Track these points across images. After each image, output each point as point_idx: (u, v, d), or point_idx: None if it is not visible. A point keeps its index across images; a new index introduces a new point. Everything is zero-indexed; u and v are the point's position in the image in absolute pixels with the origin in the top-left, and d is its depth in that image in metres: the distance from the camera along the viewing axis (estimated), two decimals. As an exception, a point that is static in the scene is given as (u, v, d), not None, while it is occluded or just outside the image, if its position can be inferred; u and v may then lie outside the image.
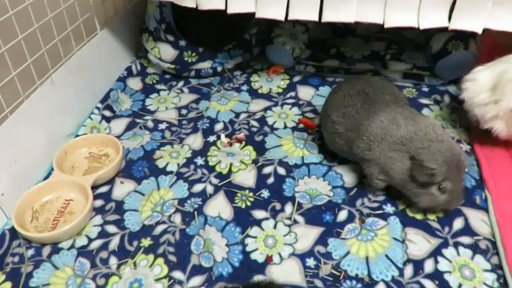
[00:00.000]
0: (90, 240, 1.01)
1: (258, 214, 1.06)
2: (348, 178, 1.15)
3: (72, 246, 0.99)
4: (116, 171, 1.18)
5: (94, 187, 1.13)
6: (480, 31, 1.13)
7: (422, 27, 1.14)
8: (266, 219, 1.05)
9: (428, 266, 0.93)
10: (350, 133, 1.08)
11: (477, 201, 1.07)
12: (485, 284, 0.90)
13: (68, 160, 1.21)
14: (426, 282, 0.90)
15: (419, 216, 1.04)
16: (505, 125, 1.13)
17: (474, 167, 1.16)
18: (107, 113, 1.39)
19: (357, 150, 1.06)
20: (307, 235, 1.00)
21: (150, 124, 1.36)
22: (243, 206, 1.08)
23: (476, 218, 1.02)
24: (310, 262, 0.95)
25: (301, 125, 1.34)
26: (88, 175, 1.14)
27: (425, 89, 1.48)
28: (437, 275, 0.91)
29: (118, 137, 1.30)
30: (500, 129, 1.13)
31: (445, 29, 1.14)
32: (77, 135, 1.28)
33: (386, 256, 0.95)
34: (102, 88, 1.46)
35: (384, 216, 1.04)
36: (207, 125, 1.35)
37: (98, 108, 1.38)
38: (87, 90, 1.39)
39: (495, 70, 1.15)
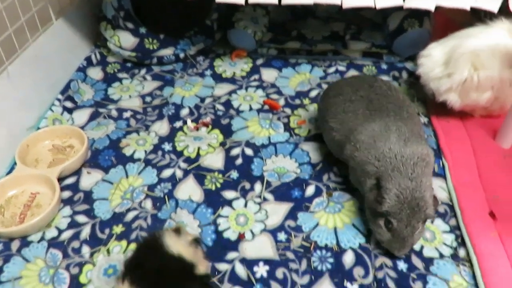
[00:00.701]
0: (60, 231, 1.00)
1: (228, 194, 1.08)
2: (314, 154, 1.18)
3: (42, 239, 0.98)
4: (82, 162, 1.16)
5: (60, 179, 1.11)
6: (433, 9, 1.18)
7: (378, 6, 1.18)
8: (237, 198, 1.07)
9: (393, 232, 0.98)
10: (345, 138, 1.02)
11: (435, 169, 1.12)
12: (444, 244, 0.96)
13: (31, 153, 1.19)
14: (391, 247, 0.95)
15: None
16: (458, 97, 1.19)
17: (431, 138, 1.22)
18: (69, 104, 1.37)
19: (345, 153, 1.01)
20: (277, 211, 1.03)
21: (114, 113, 1.35)
22: (213, 188, 1.10)
23: (435, 185, 1.08)
24: (281, 236, 0.98)
25: (266, 107, 1.36)
26: (53, 167, 1.12)
27: (384, 66, 1.53)
28: (401, 240, 0.96)
29: (82, 127, 1.28)
30: (454, 101, 1.19)
31: (400, 8, 1.19)
32: (39, 128, 1.25)
33: (353, 225, 1.00)
34: (61, 79, 1.43)
35: (350, 189, 1.08)
36: (173, 111, 1.35)
37: (58, 99, 1.35)
38: (46, 82, 1.35)
39: (448, 45, 1.21)
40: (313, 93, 1.40)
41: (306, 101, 1.37)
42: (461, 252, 0.94)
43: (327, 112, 1.08)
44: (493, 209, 0.99)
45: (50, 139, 1.23)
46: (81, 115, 1.34)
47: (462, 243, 0.96)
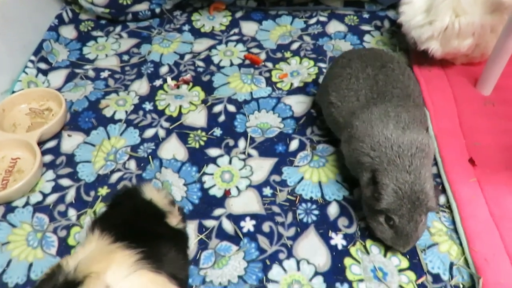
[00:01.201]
0: (45, 196, 0.99)
1: (213, 152, 1.08)
2: (297, 108, 1.18)
3: (27, 203, 0.98)
4: (62, 125, 1.14)
5: (40, 143, 1.09)
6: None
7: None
8: (221, 156, 1.07)
9: (375, 182, 1.00)
10: (342, 120, 0.97)
11: (417, 119, 1.13)
12: (426, 192, 0.98)
13: (7, 118, 1.16)
14: (374, 197, 0.97)
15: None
16: (440, 45, 1.18)
17: (413, 88, 1.22)
18: (43, 65, 1.32)
19: (342, 138, 0.98)
20: (262, 166, 1.04)
21: (91, 73, 1.31)
22: (197, 146, 1.09)
23: (416, 134, 1.09)
24: (267, 191, 0.99)
25: (247, 62, 1.33)
26: (32, 131, 1.09)
27: (366, 15, 1.50)
28: (383, 189, 0.98)
29: (59, 89, 1.25)
30: (436, 49, 1.18)
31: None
32: (14, 92, 1.21)
33: (337, 181, 1.01)
34: (33, 40, 1.36)
35: (334, 142, 1.08)
36: (152, 69, 1.31)
37: (32, 61, 1.30)
38: (16, 43, 1.29)
39: (430, -8, 1.19)
40: (295, 46, 1.38)
41: (287, 54, 1.35)
42: (441, 199, 0.97)
43: (331, 82, 1.02)
44: (473, 155, 1.02)
45: (27, 102, 1.20)
46: (57, 77, 1.30)
47: (443, 191, 0.98)
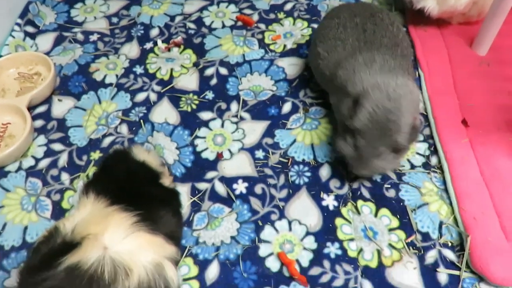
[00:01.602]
0: (37, 160, 0.99)
1: (205, 115, 1.07)
2: (290, 70, 1.16)
3: (19, 168, 0.98)
4: (51, 90, 1.12)
5: (30, 108, 1.08)
6: None
7: None
8: (213, 119, 1.06)
9: (368, 144, 0.99)
10: (328, 73, 0.95)
11: (411, 80, 1.12)
12: (417, 153, 0.98)
13: (-4, 83, 1.14)
14: (366, 158, 0.97)
15: (358, 100, 1.08)
16: (436, 3, 1.15)
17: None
18: (30, 29, 1.29)
19: (329, 91, 0.98)
20: (254, 129, 1.04)
21: (80, 36, 1.28)
22: (189, 109, 1.08)
23: (410, 96, 1.09)
24: (259, 153, 0.99)
25: (239, 23, 1.30)
26: (22, 96, 1.08)
27: (361, -26, 1.46)
28: (376, 151, 0.99)
29: (47, 53, 1.22)
30: (432, 7, 1.16)
31: None
32: (1, 56, 1.18)
33: (329, 143, 1.01)
34: (18, 3, 1.32)
35: (326, 105, 1.07)
36: (142, 31, 1.28)
37: (18, 24, 1.27)
38: (2, 6, 1.25)
39: None
40: (288, 6, 1.34)
41: (280, 15, 1.32)
42: (433, 160, 0.97)
43: (318, 34, 1.01)
44: (466, 116, 1.01)
45: (15, 67, 1.17)
46: (45, 40, 1.27)
47: (435, 151, 0.99)
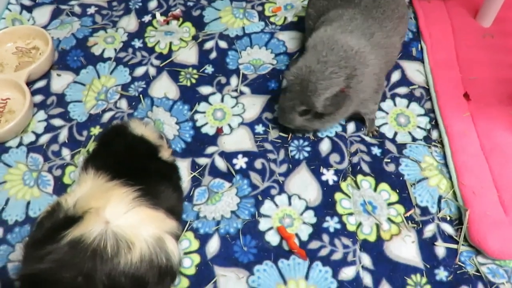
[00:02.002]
0: (38, 136, 0.99)
1: (204, 90, 1.06)
2: (291, 44, 1.14)
3: (20, 144, 0.98)
4: (50, 64, 1.11)
5: (29, 83, 1.07)
6: None
7: None
8: (213, 93, 1.05)
9: (368, 119, 0.99)
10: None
11: (413, 53, 1.11)
12: (418, 127, 0.98)
13: (-6, 57, 1.13)
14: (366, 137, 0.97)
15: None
16: (441, -27, 1.12)
17: (412, 20, 1.18)
18: (27, 2, 1.26)
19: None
20: (254, 104, 1.03)
21: (77, 9, 1.26)
22: (188, 84, 1.07)
23: (412, 69, 1.07)
24: (259, 128, 0.99)
25: (239, -5, 1.28)
26: (20, 71, 1.07)
27: None
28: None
29: (45, 27, 1.21)
30: (436, -23, 1.13)
31: None
32: (-2, 30, 1.17)
33: (330, 114, 1.00)
34: (14, -26, 1.30)
35: (327, 78, 1.06)
36: (140, 4, 1.26)
37: (14, -3, 1.25)
38: (-3, -22, 1.23)
39: None
40: (289, -23, 1.31)
41: (281, -14, 1.29)
42: (434, 134, 0.97)
43: None
44: (468, 89, 1.00)
45: (12, 41, 1.16)
46: (42, 14, 1.25)
47: (436, 125, 0.98)
